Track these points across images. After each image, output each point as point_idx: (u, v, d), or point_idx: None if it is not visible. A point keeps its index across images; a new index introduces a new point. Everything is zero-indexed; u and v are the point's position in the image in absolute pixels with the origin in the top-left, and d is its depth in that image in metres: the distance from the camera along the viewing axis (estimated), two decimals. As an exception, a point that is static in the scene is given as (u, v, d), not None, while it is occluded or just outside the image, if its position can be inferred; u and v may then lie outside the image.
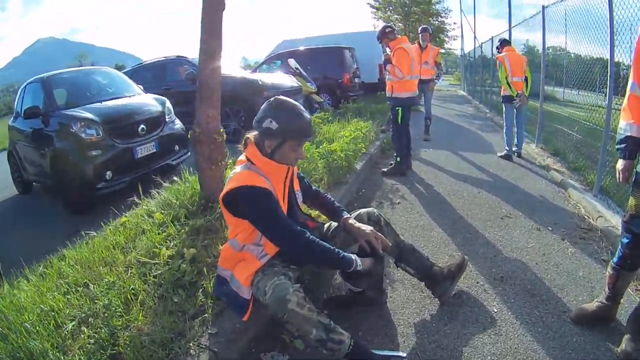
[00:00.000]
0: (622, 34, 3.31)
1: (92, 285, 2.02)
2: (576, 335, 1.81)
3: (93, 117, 4.05)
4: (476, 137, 6.84)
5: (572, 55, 6.02)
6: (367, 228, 1.81)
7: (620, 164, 1.73)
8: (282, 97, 1.73)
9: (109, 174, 4.00)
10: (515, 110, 5.05)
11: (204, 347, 1.61)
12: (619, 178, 1.74)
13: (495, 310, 2.01)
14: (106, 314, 1.78)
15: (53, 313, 1.85)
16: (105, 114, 4.21)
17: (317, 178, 3.52)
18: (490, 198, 3.65)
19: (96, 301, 1.89)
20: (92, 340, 1.64)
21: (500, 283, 2.26)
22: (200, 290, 1.90)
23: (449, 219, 3.22)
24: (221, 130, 2.84)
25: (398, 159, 4.48)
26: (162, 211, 2.82)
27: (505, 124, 5.18)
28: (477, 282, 2.27)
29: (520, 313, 1.98)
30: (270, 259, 1.69)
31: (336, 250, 1.64)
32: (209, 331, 1.69)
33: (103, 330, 1.69)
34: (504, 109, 5.17)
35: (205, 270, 2.04)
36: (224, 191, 1.65)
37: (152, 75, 7.41)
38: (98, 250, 2.41)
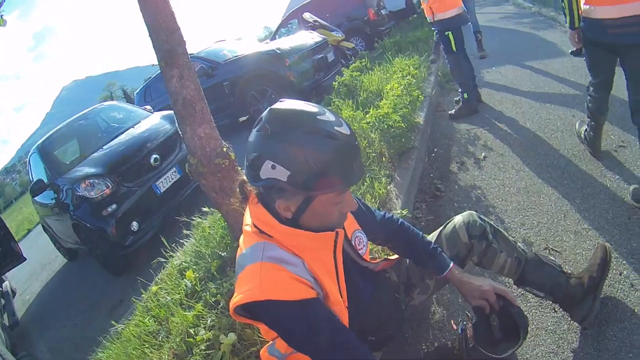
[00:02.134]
0: None
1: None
2: None
3: (95, 170, 3.53)
4: (534, 39, 5.48)
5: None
6: (484, 283, 1.10)
7: None
8: (280, 105, 0.89)
9: (134, 225, 3.48)
10: None
11: None
12: None
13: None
14: None
15: None
16: (108, 161, 3.66)
17: (376, 156, 2.66)
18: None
19: None
20: None
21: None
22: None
23: (556, 167, 2.30)
24: (224, 148, 2.08)
25: (465, 94, 3.52)
26: (194, 267, 2.26)
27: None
28: (621, 274, 1.47)
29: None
30: None
31: None
32: None
33: None
34: None
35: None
36: (233, 302, 0.90)
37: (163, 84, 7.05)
38: (129, 350, 1.90)
